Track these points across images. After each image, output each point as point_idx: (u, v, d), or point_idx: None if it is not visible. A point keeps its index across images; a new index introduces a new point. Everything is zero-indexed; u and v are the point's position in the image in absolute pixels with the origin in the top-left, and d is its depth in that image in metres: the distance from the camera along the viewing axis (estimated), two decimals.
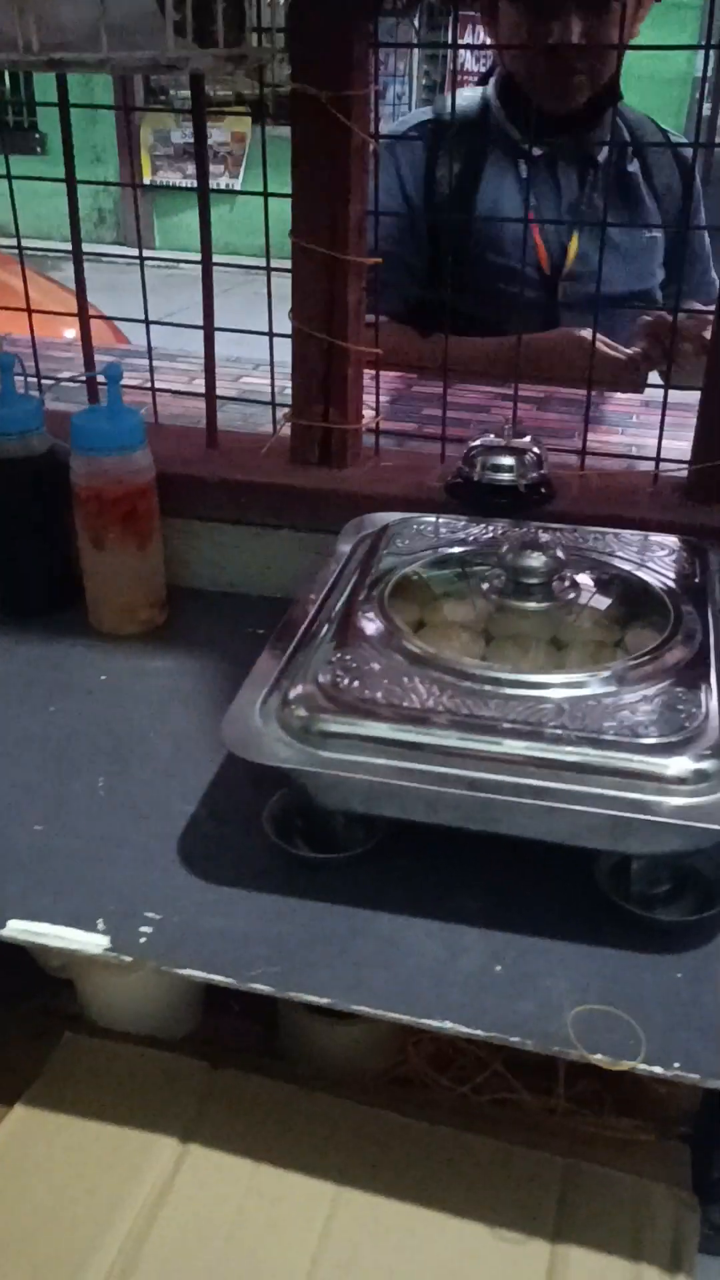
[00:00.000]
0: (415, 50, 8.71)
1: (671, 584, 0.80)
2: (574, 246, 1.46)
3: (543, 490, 0.98)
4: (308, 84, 0.92)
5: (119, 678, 0.94)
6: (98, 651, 0.98)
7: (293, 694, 0.69)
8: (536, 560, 0.76)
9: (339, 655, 0.72)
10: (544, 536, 0.80)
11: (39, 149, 9.01)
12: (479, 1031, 0.60)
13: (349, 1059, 0.81)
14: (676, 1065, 0.58)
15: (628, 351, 1.33)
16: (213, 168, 8.87)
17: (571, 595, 0.78)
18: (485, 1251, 0.67)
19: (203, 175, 1.02)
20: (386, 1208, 0.69)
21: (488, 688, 0.68)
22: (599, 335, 1.29)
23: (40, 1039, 0.82)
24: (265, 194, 1.03)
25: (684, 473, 1.01)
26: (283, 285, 1.01)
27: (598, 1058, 0.59)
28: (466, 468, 0.97)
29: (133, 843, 0.75)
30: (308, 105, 0.93)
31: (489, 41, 1.49)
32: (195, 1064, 0.79)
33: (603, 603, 0.79)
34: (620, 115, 1.47)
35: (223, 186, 8.16)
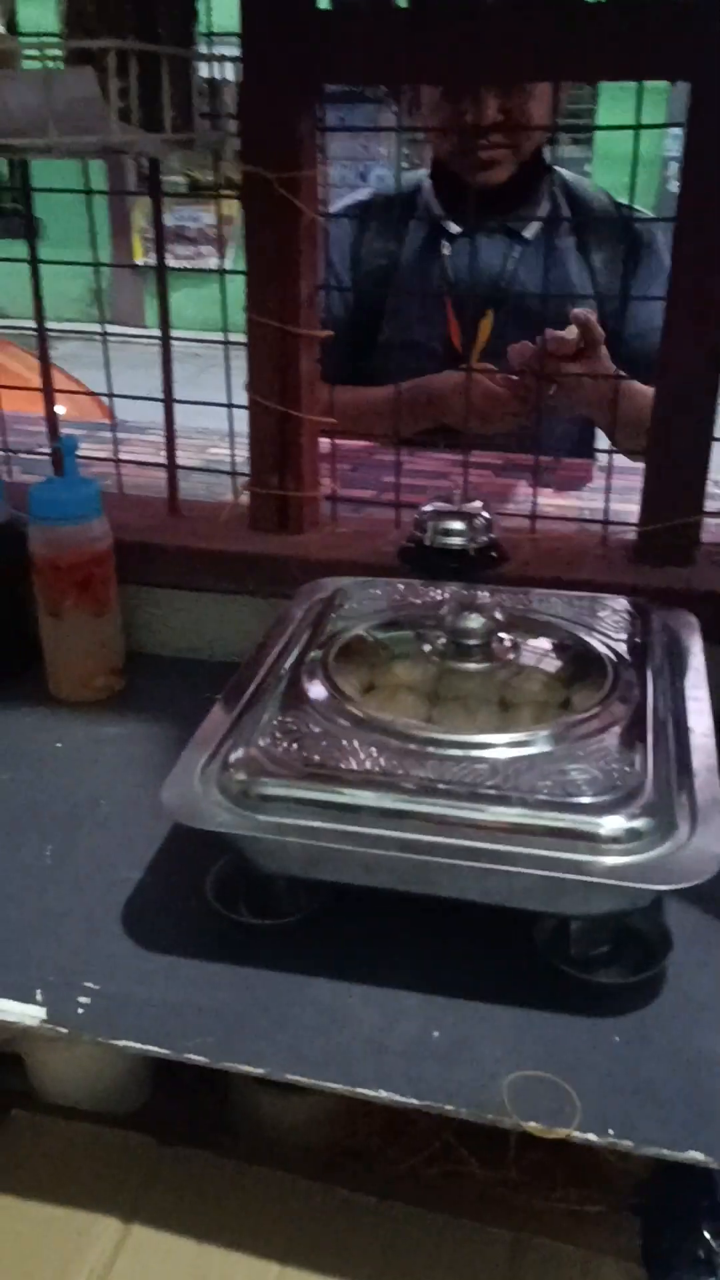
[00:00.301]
0: (396, 135, 8.98)
1: (613, 644, 0.81)
2: (488, 323, 1.47)
3: (493, 554, 0.99)
4: (257, 165, 0.95)
5: (74, 744, 0.95)
6: (54, 718, 0.98)
7: (233, 757, 0.69)
8: (475, 621, 0.77)
9: (281, 718, 0.72)
10: (484, 598, 0.80)
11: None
12: (414, 1100, 0.60)
13: (299, 1131, 0.79)
14: (611, 1132, 0.57)
15: (500, 386, 1.30)
16: (201, 248, 9.12)
17: (513, 656, 0.79)
18: None
19: (160, 253, 1.05)
20: None
21: (426, 749, 0.68)
22: (486, 370, 1.29)
23: None
24: (221, 272, 1.06)
25: (634, 535, 1.02)
26: None
27: (532, 1125, 0.58)
28: (418, 532, 0.98)
29: (76, 912, 0.74)
30: (258, 186, 0.96)
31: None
32: (142, 1140, 0.77)
33: (545, 663, 0.80)
34: (569, 189, 1.51)
35: (210, 267, 8.36)
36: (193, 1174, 0.75)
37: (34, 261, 1.07)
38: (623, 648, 0.81)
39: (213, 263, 8.86)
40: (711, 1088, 0.60)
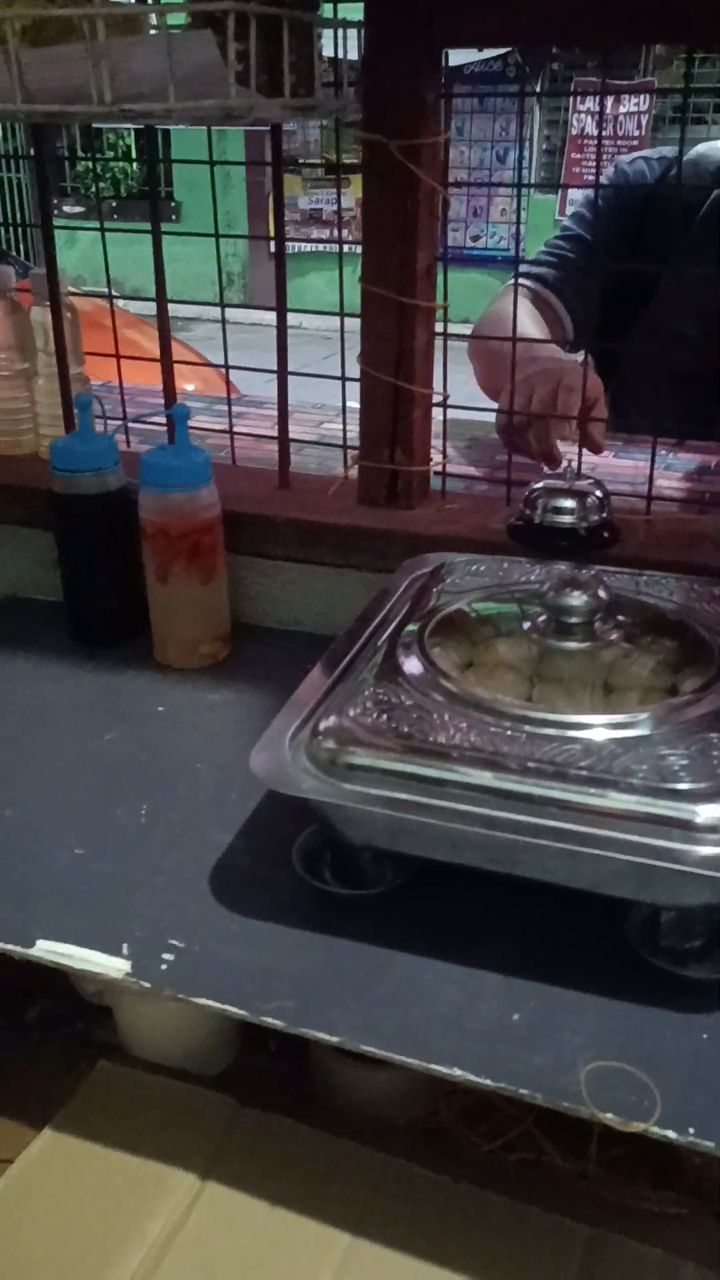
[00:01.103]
0: (537, 113, 8.84)
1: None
2: None
3: (605, 534, 0.96)
4: (378, 133, 0.94)
5: (176, 709, 0.96)
6: (158, 683, 1.00)
7: (323, 725, 0.69)
8: (577, 599, 0.75)
9: (374, 690, 0.71)
10: (589, 577, 0.78)
11: (173, 216, 9.44)
12: (488, 1081, 0.58)
13: (379, 1106, 0.79)
14: (691, 1131, 0.55)
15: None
16: (335, 232, 9.13)
17: (617, 638, 0.76)
18: None
19: (280, 223, 1.05)
20: (399, 1262, 0.67)
21: (520, 727, 0.67)
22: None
23: (76, 1065, 0.82)
24: (340, 242, 1.06)
25: None
26: None
27: (608, 1117, 0.56)
28: (527, 510, 0.96)
29: (167, 871, 0.75)
30: (378, 154, 0.94)
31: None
32: (223, 1100, 0.78)
33: (651, 647, 0.77)
34: None
35: (348, 251, 8.38)
36: (270, 1138, 0.75)
37: (156, 233, 1.08)
38: None
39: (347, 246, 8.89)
40: None
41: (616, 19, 0.88)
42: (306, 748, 0.68)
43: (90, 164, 8.79)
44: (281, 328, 1.06)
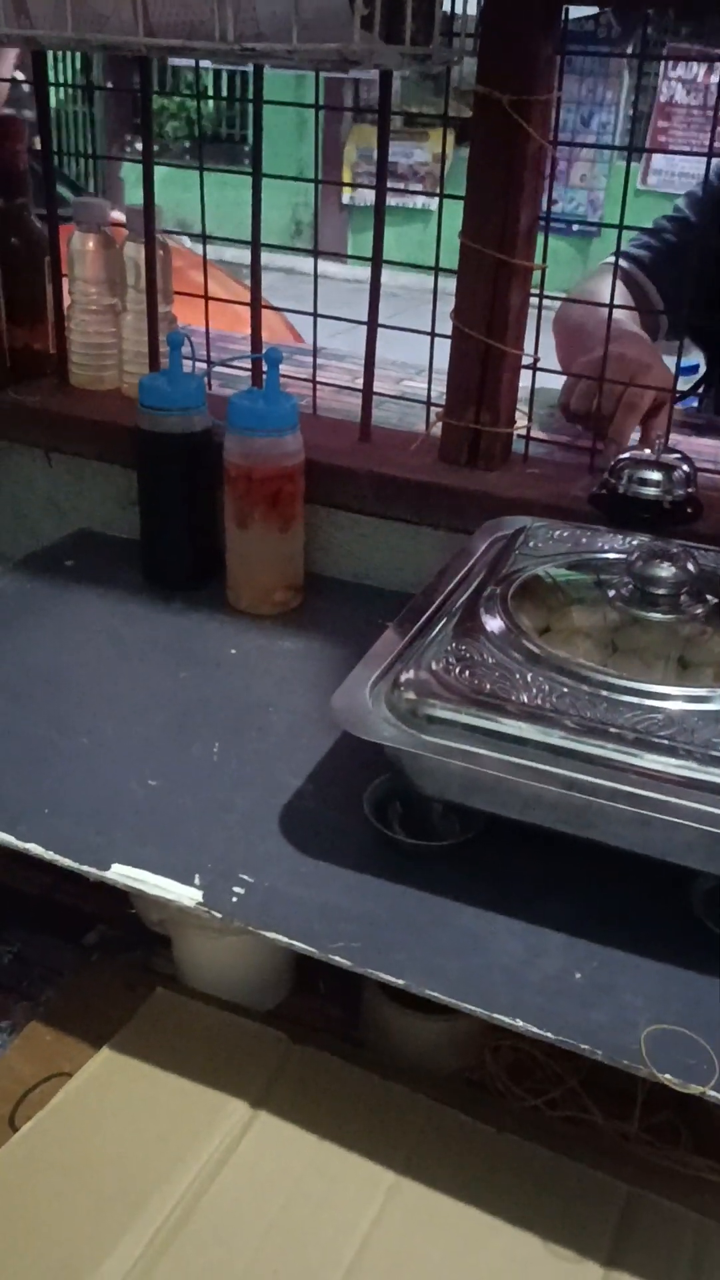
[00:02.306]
0: (625, 79, 8.64)
1: None
2: None
3: (689, 509, 0.96)
4: (491, 87, 0.93)
5: (248, 653, 0.97)
6: (231, 627, 1.01)
7: (404, 677, 0.70)
8: (665, 571, 0.74)
9: (455, 645, 0.72)
10: (677, 550, 0.78)
11: (245, 160, 9.37)
12: (549, 1034, 0.59)
13: (426, 1054, 0.81)
14: None
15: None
16: (410, 185, 9.02)
17: (700, 611, 0.76)
18: (535, 1263, 0.66)
19: (382, 175, 1.04)
20: (442, 1204, 0.69)
21: (600, 691, 0.67)
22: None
23: (135, 991, 0.85)
24: (440, 195, 1.05)
25: None
26: None
27: (666, 1078, 0.57)
28: (612, 479, 0.96)
29: (238, 808, 0.77)
30: (489, 108, 0.93)
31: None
32: (276, 1035, 0.80)
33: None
34: None
35: (419, 206, 8.27)
36: (319, 1075, 0.77)
37: (257, 174, 1.08)
38: None
39: (422, 200, 8.77)
40: None
41: None
42: (387, 698, 0.69)
43: (162, 102, 8.70)
44: (375, 280, 1.06)
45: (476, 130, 0.96)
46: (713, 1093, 0.56)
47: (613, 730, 0.64)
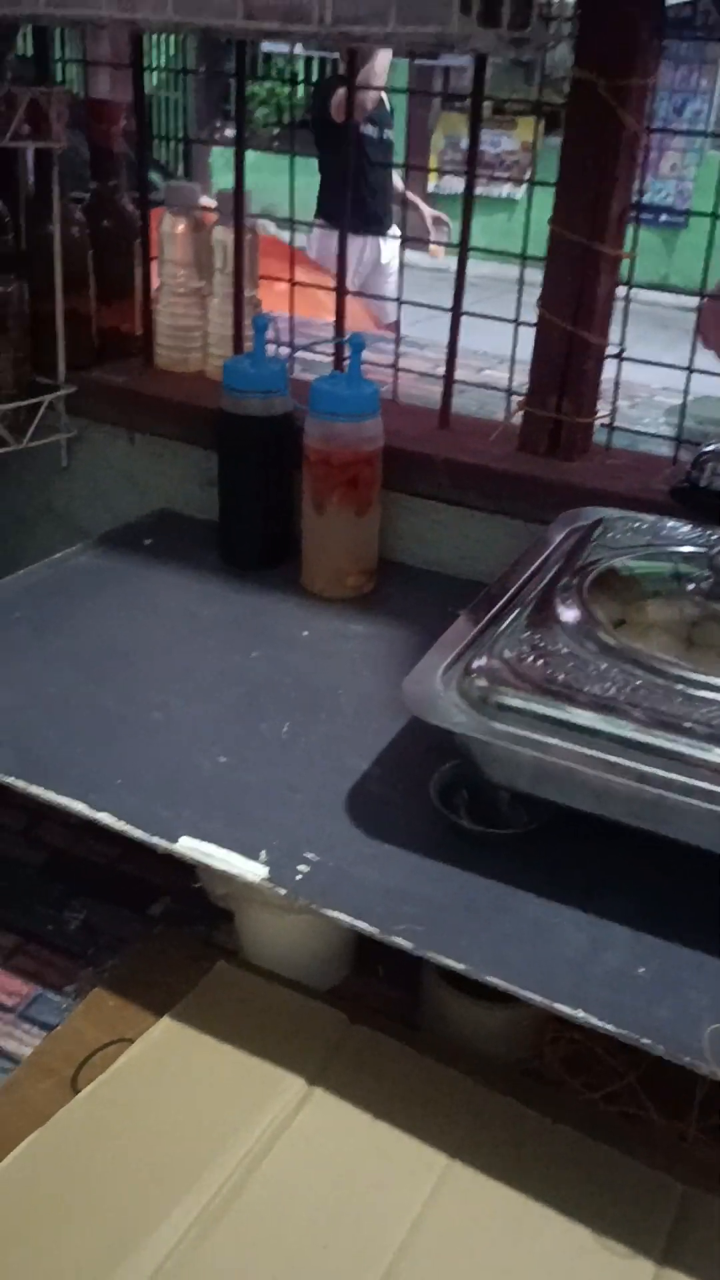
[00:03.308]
0: None
1: None
2: None
3: None
4: (589, 70, 0.92)
5: (320, 635, 0.98)
6: (304, 609, 1.02)
7: (476, 664, 0.70)
8: None
9: (529, 634, 0.72)
10: None
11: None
12: (611, 1026, 0.59)
13: (483, 1042, 0.81)
14: None
15: None
16: (497, 173, 8.92)
17: None
18: (588, 1256, 0.65)
19: (472, 162, 1.03)
20: (495, 1190, 0.69)
21: (676, 686, 0.66)
22: None
23: (197, 963, 0.86)
24: (531, 182, 1.04)
25: None
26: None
27: None
28: (695, 472, 0.95)
29: (305, 787, 0.77)
30: (585, 92, 0.92)
31: None
32: (335, 1014, 0.81)
33: None
34: None
35: (504, 195, 8.18)
36: (376, 1056, 0.78)
37: (346, 164, 1.08)
38: None
39: (507, 189, 8.68)
40: None
41: None
42: (459, 684, 0.69)
43: (253, 87, 8.72)
44: (461, 266, 1.05)
45: (571, 115, 0.95)
46: None
47: (686, 725, 0.63)
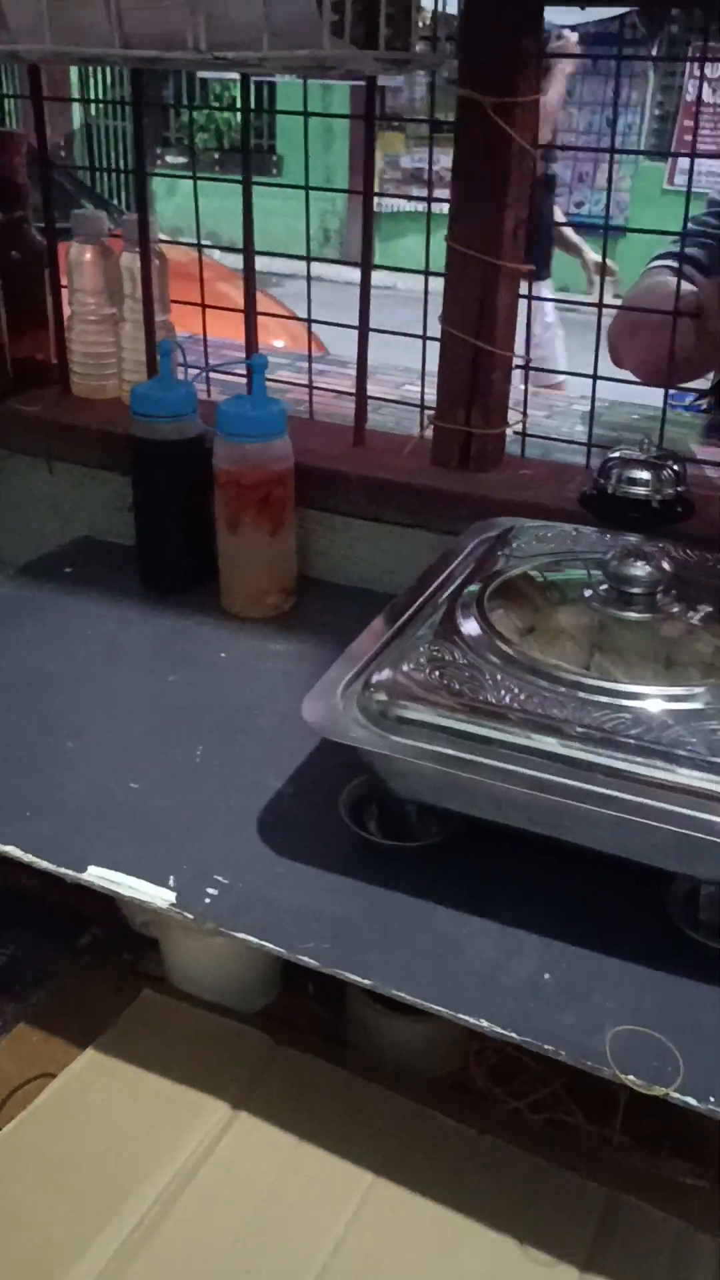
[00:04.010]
0: (650, 79, 8.59)
1: None
2: None
3: (679, 508, 0.95)
4: (473, 90, 0.93)
5: (239, 656, 0.98)
6: (224, 630, 1.02)
7: (376, 678, 0.70)
8: (640, 570, 0.74)
9: (429, 647, 0.72)
10: (654, 549, 0.77)
11: (275, 170, 9.40)
12: (514, 1035, 0.59)
13: (410, 1056, 0.81)
14: (712, 1100, 0.55)
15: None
16: (438, 191, 9.03)
17: (678, 611, 0.76)
18: (510, 1266, 0.66)
19: (369, 183, 1.04)
20: (419, 1205, 0.69)
21: (573, 693, 0.67)
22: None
23: (123, 993, 0.85)
24: (429, 199, 1.05)
25: None
26: None
27: (631, 1079, 0.56)
28: (601, 479, 0.96)
29: (218, 810, 0.77)
30: (472, 111, 0.94)
31: None
32: (259, 1036, 0.80)
33: (715, 625, 0.76)
34: None
35: (446, 211, 8.23)
36: (303, 1076, 0.78)
37: (246, 183, 1.09)
38: None
39: (447, 206, 8.74)
40: None
41: None
42: (359, 699, 0.69)
43: (190, 115, 8.74)
44: (365, 282, 1.06)
45: (461, 133, 0.96)
46: (676, 1095, 0.56)
47: (579, 730, 0.63)
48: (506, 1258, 0.66)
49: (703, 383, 1.43)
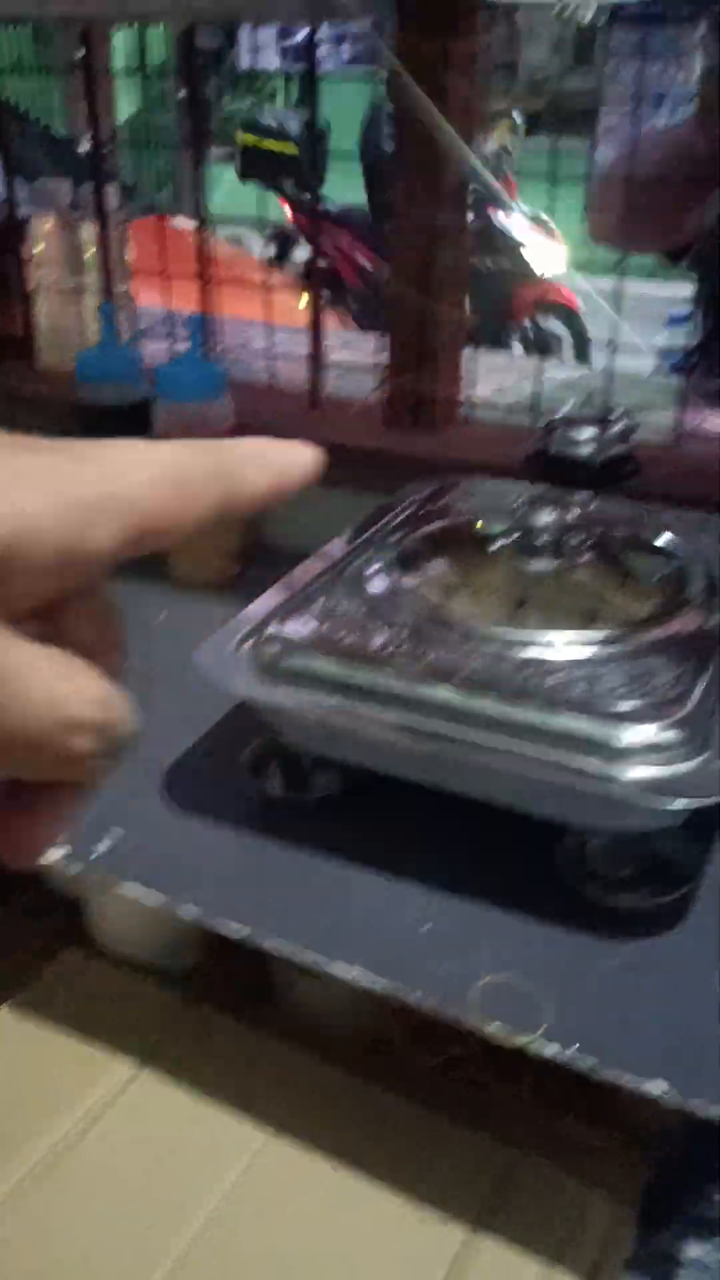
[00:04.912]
0: (698, 61, 8.43)
1: (714, 563, 0.74)
2: None
3: (626, 467, 0.93)
4: (411, 35, 0.91)
5: (179, 618, 0.97)
6: (168, 596, 1.01)
7: (269, 631, 0.69)
8: (544, 519, 0.72)
9: (327, 600, 0.71)
10: (560, 497, 0.75)
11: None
12: (383, 983, 0.58)
13: (329, 1015, 0.80)
14: (575, 1046, 0.54)
15: None
16: None
17: (587, 560, 0.74)
18: (397, 1224, 0.64)
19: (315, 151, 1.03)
20: (311, 1162, 0.68)
21: (465, 641, 0.65)
22: None
23: (45, 953, 0.85)
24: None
25: None
26: None
27: (494, 1027, 0.55)
28: (545, 439, 0.94)
29: (126, 767, 0.76)
30: (410, 57, 0.92)
31: None
32: (174, 996, 0.80)
33: (631, 576, 0.74)
34: None
35: None
36: (213, 1034, 0.77)
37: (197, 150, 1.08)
38: None
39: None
40: (699, 1027, 0.55)
41: None
42: (252, 650, 0.69)
43: (233, 108, 8.78)
44: (316, 247, 1.05)
45: (396, 98, 0.94)
46: (538, 1045, 0.54)
47: (462, 678, 0.62)
48: (394, 1214, 0.65)
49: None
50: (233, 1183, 0.66)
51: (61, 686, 0.22)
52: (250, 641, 0.70)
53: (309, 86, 1.03)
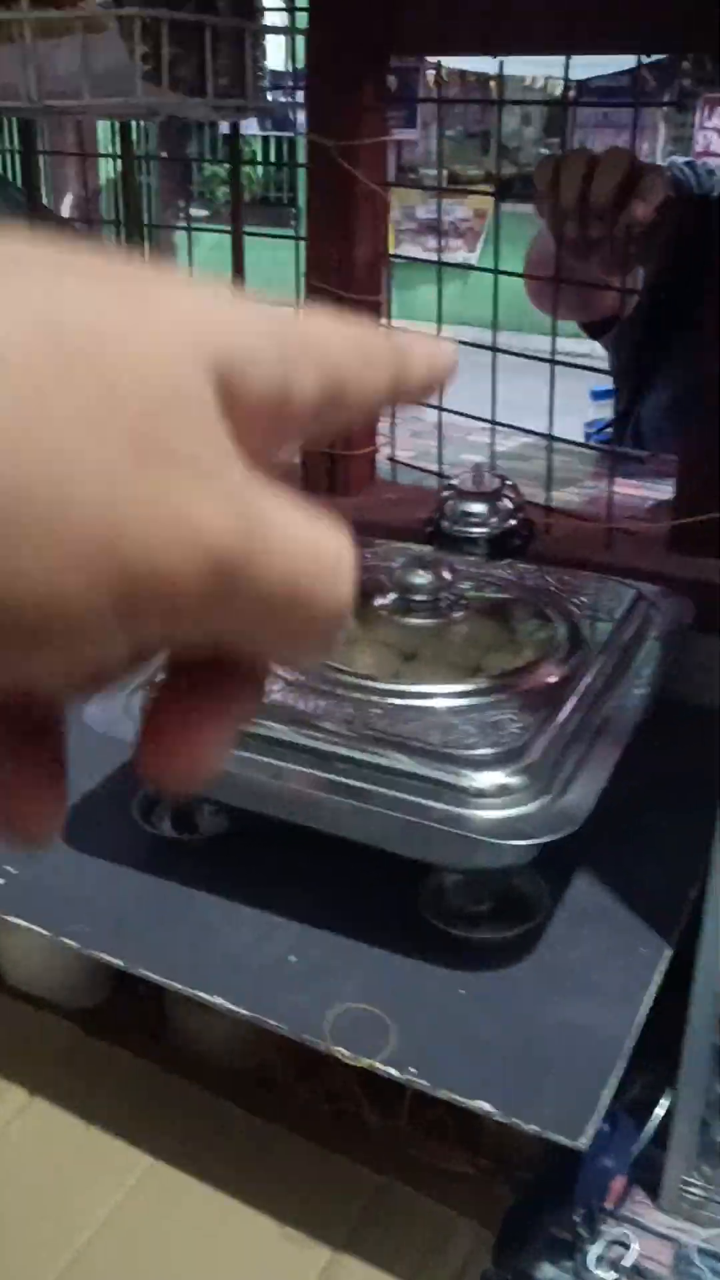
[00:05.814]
0: (662, 130, 8.72)
1: (585, 621, 0.80)
2: None
3: (516, 538, 0.98)
4: (319, 134, 0.98)
5: None
6: None
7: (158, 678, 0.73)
8: (420, 579, 0.78)
9: None
10: (435, 558, 0.81)
11: (293, 221, 9.61)
12: (243, 1010, 0.62)
13: (220, 1050, 0.83)
14: (412, 1070, 0.58)
15: None
16: (451, 242, 9.15)
17: (464, 617, 0.79)
18: (265, 1246, 0.68)
19: (236, 218, 1.10)
20: (190, 1188, 0.71)
21: (334, 690, 0.70)
22: None
23: None
24: (296, 236, 1.10)
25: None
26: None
27: (340, 1050, 0.59)
28: (436, 515, 0.99)
29: None
30: (320, 154, 0.99)
31: None
32: (70, 1028, 0.83)
33: (502, 630, 0.79)
34: None
35: (459, 260, 8.38)
36: (106, 1066, 0.80)
37: (237, 233, 1.13)
38: (595, 626, 0.79)
39: (460, 256, 8.89)
40: (537, 1050, 0.60)
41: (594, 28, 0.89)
42: (141, 698, 0.73)
43: (214, 169, 9.01)
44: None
45: (311, 174, 1.01)
46: (380, 1066, 0.58)
47: (324, 724, 0.67)
48: (264, 1237, 0.68)
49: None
50: (111, 1209, 0.70)
51: (318, 528, 0.21)
52: (140, 690, 0.74)
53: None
